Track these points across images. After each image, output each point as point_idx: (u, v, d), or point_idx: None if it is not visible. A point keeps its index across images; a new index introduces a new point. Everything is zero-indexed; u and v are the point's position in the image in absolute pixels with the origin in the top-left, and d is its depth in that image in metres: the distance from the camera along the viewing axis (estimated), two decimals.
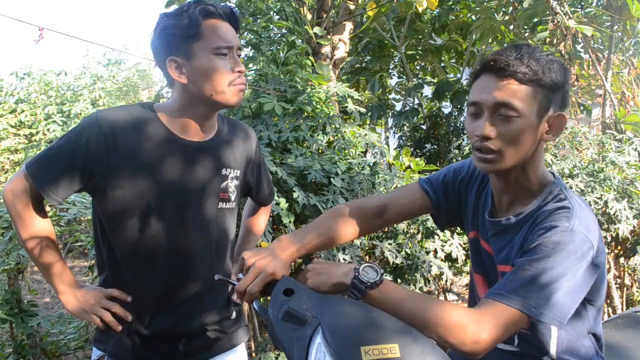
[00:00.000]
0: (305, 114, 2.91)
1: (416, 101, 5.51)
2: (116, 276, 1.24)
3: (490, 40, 5.00)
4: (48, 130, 7.22)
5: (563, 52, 4.05)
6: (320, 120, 2.84)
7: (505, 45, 5.21)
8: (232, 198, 1.32)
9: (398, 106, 6.06)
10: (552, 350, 1.07)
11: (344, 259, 2.26)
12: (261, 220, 1.61)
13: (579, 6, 4.78)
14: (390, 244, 2.46)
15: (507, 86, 0.99)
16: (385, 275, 1.04)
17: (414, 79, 5.40)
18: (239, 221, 1.57)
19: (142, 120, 1.19)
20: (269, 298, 0.98)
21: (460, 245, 2.69)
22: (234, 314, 1.38)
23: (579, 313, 1.05)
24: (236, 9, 1.27)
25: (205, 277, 1.27)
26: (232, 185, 1.32)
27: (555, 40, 4.04)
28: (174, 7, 4.51)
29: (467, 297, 1.41)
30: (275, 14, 4.32)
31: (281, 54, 3.46)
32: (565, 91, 1.04)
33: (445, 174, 1.29)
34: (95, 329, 1.29)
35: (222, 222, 1.31)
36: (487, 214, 1.17)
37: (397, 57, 5.80)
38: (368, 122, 5.63)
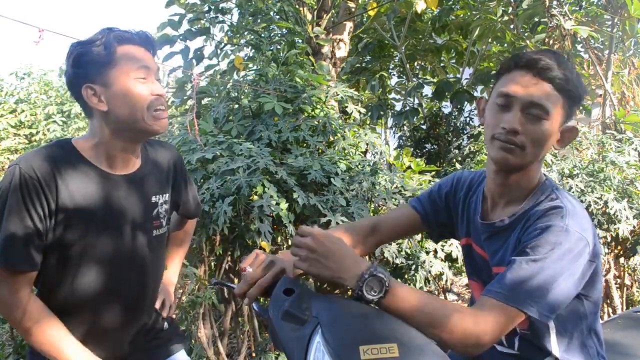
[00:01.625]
0: (305, 114, 2.91)
1: (416, 101, 5.51)
2: (53, 301, 1.19)
3: (490, 40, 5.01)
4: (48, 130, 7.22)
5: (561, 52, 4.06)
6: (320, 120, 2.84)
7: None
8: (164, 223, 1.33)
9: (398, 106, 6.06)
10: (555, 350, 1.07)
11: None
12: (187, 235, 1.62)
13: (579, 6, 4.78)
14: (390, 244, 2.46)
15: (543, 88, 1.01)
16: None
17: (414, 79, 5.40)
18: None
19: (65, 161, 1.14)
20: (268, 299, 0.98)
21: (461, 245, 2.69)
22: (165, 325, 1.42)
23: (576, 309, 1.06)
24: (150, 34, 1.25)
25: (142, 303, 1.31)
26: (162, 210, 1.32)
27: (552, 42, 4.04)
28: (174, 7, 4.51)
29: (467, 297, 1.42)
30: (275, 14, 4.32)
31: (281, 54, 3.46)
32: (579, 107, 1.10)
33: (431, 190, 1.33)
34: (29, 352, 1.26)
35: (157, 249, 1.33)
36: (479, 217, 1.17)
37: (397, 57, 5.80)
38: (368, 122, 5.63)
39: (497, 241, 1.11)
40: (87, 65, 1.15)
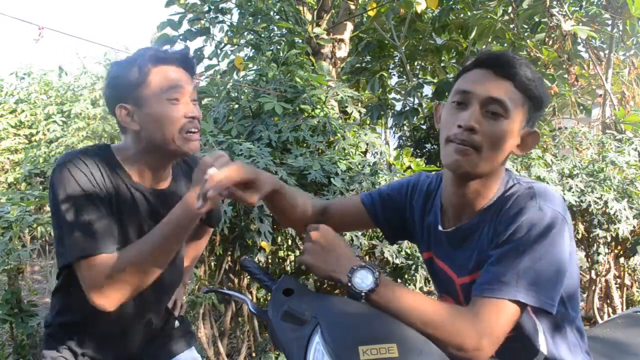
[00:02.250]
0: (305, 114, 2.91)
1: (416, 101, 5.51)
2: (68, 304, 1.24)
3: (490, 40, 5.01)
4: (48, 130, 7.21)
5: (560, 53, 4.06)
6: (320, 120, 2.84)
7: (506, 47, 5.22)
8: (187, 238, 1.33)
9: (398, 106, 6.06)
10: (543, 347, 1.02)
11: None
12: (202, 242, 1.63)
13: (579, 6, 4.78)
14: (391, 244, 2.46)
15: (504, 85, 0.96)
16: (385, 275, 0.99)
17: (414, 79, 5.40)
18: None
19: (103, 164, 1.17)
20: (268, 299, 0.98)
21: None
22: (176, 323, 1.43)
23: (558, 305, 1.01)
24: (189, 53, 1.26)
25: (159, 310, 1.34)
26: None
27: (551, 42, 4.05)
28: (174, 7, 4.51)
29: None
30: (275, 14, 4.32)
31: (281, 54, 3.47)
32: (541, 114, 1.03)
33: (381, 190, 1.24)
34: (41, 349, 1.29)
35: (177, 261, 1.33)
36: (440, 227, 1.09)
37: (397, 57, 5.81)
38: (368, 122, 5.63)
39: (463, 250, 1.04)
40: (121, 87, 1.16)
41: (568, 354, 1.05)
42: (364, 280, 0.91)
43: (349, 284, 0.91)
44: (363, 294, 0.90)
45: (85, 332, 1.25)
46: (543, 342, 1.03)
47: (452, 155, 0.97)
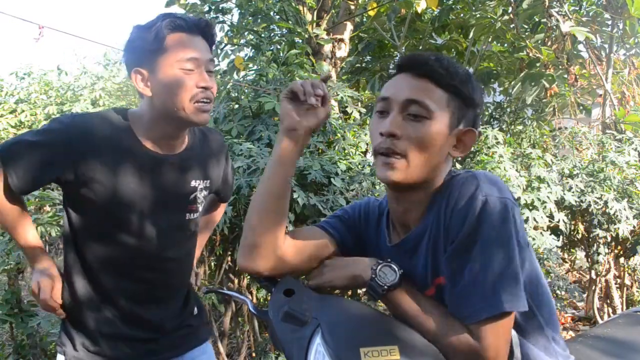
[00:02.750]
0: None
1: None
2: (80, 281, 1.24)
3: (490, 40, 5.01)
4: None
5: (559, 53, 4.06)
6: None
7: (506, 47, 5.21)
8: (200, 208, 1.33)
9: None
10: (517, 350, 0.94)
11: None
12: (218, 214, 1.62)
13: (579, 6, 4.78)
14: None
15: (422, 84, 0.91)
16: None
17: None
18: None
19: (112, 127, 1.18)
20: (268, 298, 0.98)
21: None
22: (195, 310, 1.41)
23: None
24: (209, 22, 1.22)
25: (172, 285, 1.32)
26: (200, 196, 1.32)
27: (550, 42, 4.05)
28: (174, 7, 4.51)
29: None
30: (275, 14, 4.32)
31: (281, 54, 3.47)
32: (478, 112, 0.98)
33: (340, 212, 1.15)
34: (59, 331, 1.29)
35: (189, 232, 1.33)
36: (387, 242, 1.03)
37: (397, 57, 5.80)
38: (368, 122, 5.63)
39: (417, 259, 0.96)
40: (138, 51, 1.16)
41: (544, 355, 0.98)
42: (387, 275, 0.90)
43: (373, 277, 0.90)
44: (386, 287, 0.89)
45: (99, 313, 1.25)
46: (516, 340, 0.97)
47: (380, 168, 0.92)
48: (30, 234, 1.25)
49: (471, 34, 4.85)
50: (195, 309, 1.41)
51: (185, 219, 1.29)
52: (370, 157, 3.19)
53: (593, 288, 3.65)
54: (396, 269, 0.92)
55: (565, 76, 4.34)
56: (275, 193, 0.99)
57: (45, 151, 1.14)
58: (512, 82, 4.59)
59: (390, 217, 1.05)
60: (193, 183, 1.29)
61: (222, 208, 1.62)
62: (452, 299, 0.87)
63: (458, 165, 3.62)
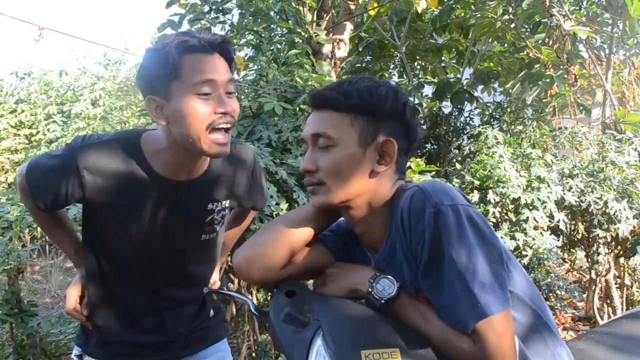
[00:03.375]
0: (306, 114, 2.91)
1: (416, 101, 5.51)
2: (98, 286, 1.26)
3: (490, 40, 5.00)
4: (48, 130, 7.20)
5: (560, 53, 4.05)
6: None
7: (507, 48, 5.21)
8: (217, 229, 1.29)
9: None
10: None
11: None
12: (248, 219, 1.58)
13: (579, 6, 4.78)
14: None
15: (323, 116, 0.96)
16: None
17: (414, 79, 5.40)
18: None
19: (124, 158, 1.13)
20: (268, 299, 0.98)
21: None
22: (211, 313, 1.40)
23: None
24: (227, 39, 1.12)
25: (188, 297, 1.32)
26: (218, 217, 1.27)
27: (551, 42, 4.04)
28: (175, 7, 4.51)
29: None
30: (275, 14, 4.32)
31: (281, 54, 3.46)
32: (398, 118, 0.97)
33: (335, 227, 1.14)
34: (78, 327, 1.33)
35: (205, 250, 1.31)
36: (372, 260, 1.03)
37: (397, 57, 5.80)
38: None
39: (395, 276, 0.95)
40: (150, 78, 1.08)
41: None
42: (385, 288, 0.90)
43: (370, 290, 0.91)
44: (383, 301, 0.90)
45: (112, 317, 1.27)
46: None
47: (311, 198, 1.00)
48: (66, 242, 1.32)
49: (474, 36, 4.85)
50: (212, 311, 1.39)
51: (200, 240, 1.26)
52: None
53: (593, 288, 3.65)
54: (394, 281, 0.91)
55: (566, 76, 4.34)
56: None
57: (60, 178, 1.12)
58: (512, 82, 4.59)
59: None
60: (210, 206, 1.24)
61: (252, 214, 1.56)
62: (440, 314, 0.87)
63: (458, 166, 3.62)
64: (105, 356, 1.27)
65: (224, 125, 1.07)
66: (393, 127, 0.97)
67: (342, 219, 1.12)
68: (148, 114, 1.12)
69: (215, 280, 1.46)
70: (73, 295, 1.25)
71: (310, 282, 2.41)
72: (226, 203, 1.28)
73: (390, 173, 0.99)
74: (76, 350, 1.30)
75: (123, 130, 1.24)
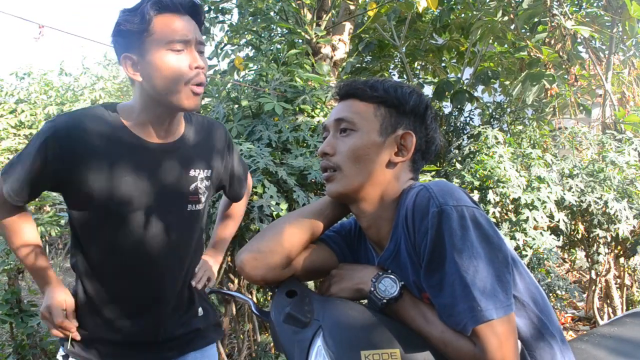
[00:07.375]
0: (305, 114, 2.91)
1: None
2: (85, 283, 1.25)
3: (490, 40, 5.00)
4: None
5: (561, 53, 4.05)
6: (320, 121, 2.84)
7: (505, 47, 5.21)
8: (202, 199, 1.30)
9: None
10: None
11: None
12: (240, 207, 1.60)
13: (579, 7, 4.78)
14: None
15: (348, 104, 1.01)
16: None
17: (415, 79, 5.40)
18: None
19: (102, 123, 1.17)
20: (268, 299, 0.98)
21: None
22: (200, 311, 1.38)
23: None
24: (197, 1, 1.15)
25: (173, 281, 1.29)
26: (202, 186, 1.29)
27: (552, 41, 4.04)
28: None
29: None
30: (275, 14, 4.32)
31: (281, 54, 3.46)
32: (419, 118, 1.02)
33: (339, 227, 1.15)
34: None
35: (191, 225, 1.30)
36: (375, 258, 1.04)
37: (397, 57, 5.80)
38: None
39: (400, 274, 0.95)
40: (125, 35, 1.13)
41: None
42: (387, 288, 0.91)
43: (372, 289, 0.91)
44: (385, 301, 0.90)
45: (93, 313, 1.25)
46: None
47: (326, 185, 1.01)
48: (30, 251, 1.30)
49: (474, 36, 4.85)
50: (200, 309, 1.38)
51: (186, 209, 1.26)
52: None
53: (593, 288, 3.65)
54: (397, 280, 0.91)
55: (566, 76, 4.34)
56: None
57: (37, 159, 1.14)
58: (514, 83, 4.59)
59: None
60: (192, 172, 1.26)
61: (244, 202, 1.59)
62: (440, 314, 0.86)
63: (458, 166, 3.62)
64: (88, 357, 1.26)
65: (199, 82, 1.14)
66: (413, 124, 1.01)
67: (345, 220, 1.14)
68: (125, 72, 1.17)
69: (208, 276, 1.43)
70: (59, 309, 1.23)
71: (311, 282, 2.40)
72: (208, 172, 1.31)
73: (406, 169, 1.01)
74: (62, 351, 1.29)
75: (98, 104, 1.28)
